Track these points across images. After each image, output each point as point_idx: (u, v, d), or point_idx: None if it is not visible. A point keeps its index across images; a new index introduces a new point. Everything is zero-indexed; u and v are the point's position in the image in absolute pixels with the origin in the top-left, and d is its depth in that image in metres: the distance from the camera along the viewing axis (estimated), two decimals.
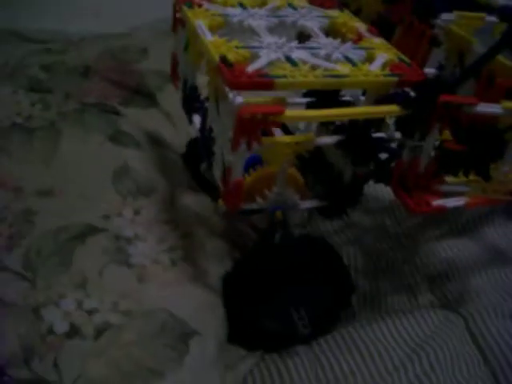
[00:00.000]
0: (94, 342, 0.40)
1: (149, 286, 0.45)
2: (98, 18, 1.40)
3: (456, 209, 0.47)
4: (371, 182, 0.49)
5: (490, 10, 0.52)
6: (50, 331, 0.40)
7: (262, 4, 0.52)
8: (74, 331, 0.40)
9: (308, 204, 0.46)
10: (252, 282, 0.45)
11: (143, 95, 0.73)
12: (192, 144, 0.62)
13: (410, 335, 0.51)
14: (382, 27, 0.50)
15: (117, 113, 0.69)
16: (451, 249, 0.63)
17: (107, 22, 1.36)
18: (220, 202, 0.43)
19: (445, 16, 0.58)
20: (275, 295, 0.46)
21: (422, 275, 0.59)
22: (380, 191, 0.67)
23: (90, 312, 0.42)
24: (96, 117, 0.66)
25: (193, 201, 0.57)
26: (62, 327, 0.41)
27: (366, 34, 0.47)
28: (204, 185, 0.59)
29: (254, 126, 0.37)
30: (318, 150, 0.45)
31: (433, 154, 0.45)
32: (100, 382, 0.38)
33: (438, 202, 0.46)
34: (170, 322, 0.43)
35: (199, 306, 0.45)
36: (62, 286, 0.43)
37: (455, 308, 0.55)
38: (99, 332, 0.41)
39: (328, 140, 0.43)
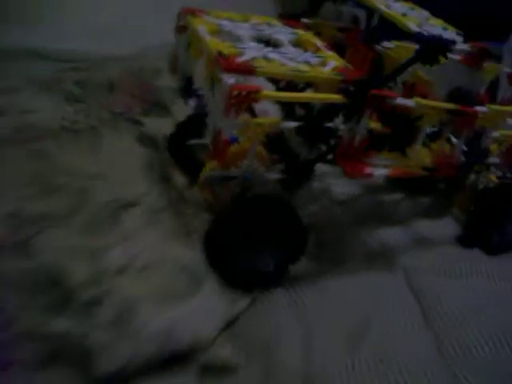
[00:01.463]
0: (137, 275, 0.58)
1: (172, 241, 0.63)
2: (108, 39, 1.58)
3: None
4: None
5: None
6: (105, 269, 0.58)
7: (245, 20, 0.70)
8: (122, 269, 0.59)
9: (271, 176, 0.64)
10: (230, 234, 0.61)
11: (160, 107, 0.91)
12: (179, 126, 0.79)
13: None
14: (336, 49, 0.69)
15: (139, 121, 0.88)
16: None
17: (115, 44, 1.53)
18: (204, 170, 0.62)
19: (385, 44, 0.80)
20: (249, 244, 0.62)
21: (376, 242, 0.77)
22: None
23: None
24: (124, 123, 0.84)
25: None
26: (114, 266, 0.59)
27: (323, 48, 0.66)
28: (183, 163, 0.77)
29: (240, 100, 0.54)
30: (282, 134, 0.63)
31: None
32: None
33: (368, 171, 0.63)
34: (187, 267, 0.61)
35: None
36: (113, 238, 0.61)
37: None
38: (140, 270, 0.59)
39: (290, 125, 0.61)
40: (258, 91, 0.54)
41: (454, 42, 0.61)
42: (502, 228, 0.77)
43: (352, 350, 0.58)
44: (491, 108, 0.66)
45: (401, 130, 0.61)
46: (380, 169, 0.63)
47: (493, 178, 0.79)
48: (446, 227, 0.82)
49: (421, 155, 0.65)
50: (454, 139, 0.68)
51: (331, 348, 0.58)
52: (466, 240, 0.78)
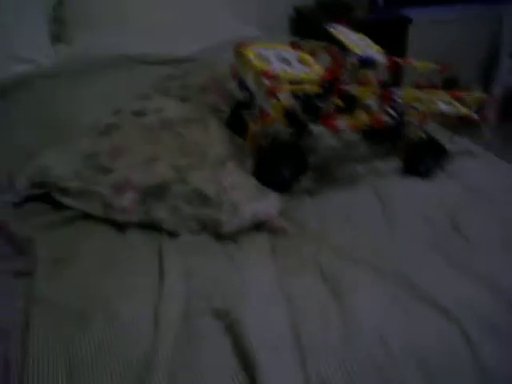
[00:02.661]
0: (234, 191, 1.19)
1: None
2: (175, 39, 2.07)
3: None
4: None
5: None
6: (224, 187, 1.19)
7: (273, 48, 1.27)
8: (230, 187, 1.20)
9: (288, 131, 1.21)
10: (268, 161, 1.20)
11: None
12: (236, 105, 1.36)
13: None
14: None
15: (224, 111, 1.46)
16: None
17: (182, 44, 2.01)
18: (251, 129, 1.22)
19: None
20: (277, 166, 1.20)
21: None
22: None
23: None
24: (217, 114, 1.43)
25: None
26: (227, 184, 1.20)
27: (314, 63, 1.24)
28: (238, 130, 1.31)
29: (271, 91, 1.14)
30: (294, 109, 1.19)
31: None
32: None
33: (336, 125, 1.21)
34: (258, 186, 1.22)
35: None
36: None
37: None
38: (235, 187, 1.20)
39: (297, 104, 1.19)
40: (278, 89, 1.13)
41: (375, 60, 1.23)
42: (424, 163, 1.34)
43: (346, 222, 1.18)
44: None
45: (350, 104, 1.21)
46: (342, 123, 1.22)
47: (421, 134, 1.34)
48: (393, 164, 1.38)
49: (363, 117, 1.24)
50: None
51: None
52: (405, 171, 1.35)
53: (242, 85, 1.29)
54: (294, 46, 1.32)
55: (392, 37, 2.82)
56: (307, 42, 1.38)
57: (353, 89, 1.21)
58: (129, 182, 1.15)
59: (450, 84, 3.31)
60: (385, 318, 0.93)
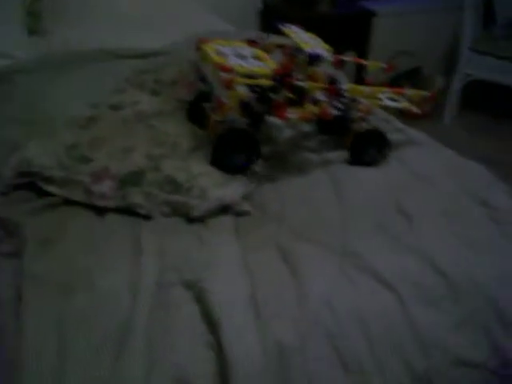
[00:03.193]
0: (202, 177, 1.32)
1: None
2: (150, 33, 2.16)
3: None
4: None
5: None
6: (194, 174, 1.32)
7: (229, 44, 1.36)
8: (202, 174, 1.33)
9: (243, 121, 1.31)
10: (225, 144, 1.31)
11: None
12: (197, 97, 1.45)
13: None
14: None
15: None
16: None
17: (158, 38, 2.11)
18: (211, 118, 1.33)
19: None
20: (233, 151, 1.31)
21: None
22: None
23: None
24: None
25: None
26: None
27: (267, 58, 1.36)
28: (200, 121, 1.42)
29: (227, 83, 1.25)
30: (248, 101, 1.31)
31: None
32: None
33: (286, 115, 1.33)
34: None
35: None
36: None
37: None
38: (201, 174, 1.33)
39: (252, 95, 1.30)
40: (233, 81, 1.24)
41: (322, 56, 1.35)
42: (369, 153, 1.47)
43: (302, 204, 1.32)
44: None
45: (299, 96, 1.34)
46: (292, 114, 1.35)
47: (367, 126, 1.48)
48: (342, 155, 1.51)
49: (312, 108, 1.37)
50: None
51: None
52: (351, 161, 1.48)
53: (202, 78, 1.40)
54: (250, 43, 1.44)
55: (356, 30, 2.97)
56: (270, 37, 1.50)
57: (302, 83, 1.34)
58: (107, 170, 1.27)
59: (413, 74, 3.48)
60: (332, 286, 1.07)
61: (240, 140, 1.33)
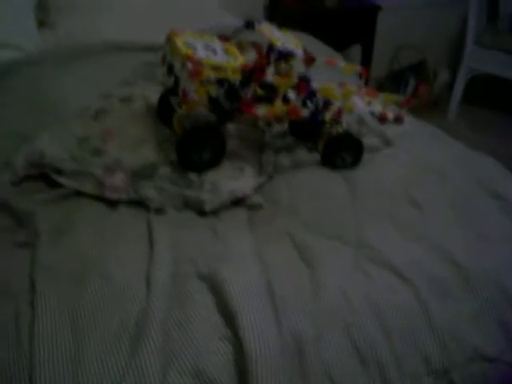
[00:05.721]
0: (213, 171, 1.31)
1: None
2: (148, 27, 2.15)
3: None
4: None
5: None
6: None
7: (201, 38, 1.30)
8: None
9: (211, 116, 1.26)
10: (190, 141, 1.25)
11: None
12: (164, 93, 1.39)
13: None
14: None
15: None
16: None
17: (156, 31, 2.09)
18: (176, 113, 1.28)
19: None
20: (198, 147, 1.25)
21: None
22: None
23: None
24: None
25: None
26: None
27: (238, 54, 1.26)
28: (164, 118, 1.38)
29: (193, 74, 1.17)
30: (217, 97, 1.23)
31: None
32: None
33: (254, 112, 1.27)
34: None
35: None
36: None
37: None
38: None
39: (221, 91, 1.22)
40: (200, 72, 1.18)
41: (293, 53, 1.28)
42: (341, 157, 1.40)
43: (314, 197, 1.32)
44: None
45: (269, 93, 1.30)
46: (260, 111, 1.30)
47: (339, 129, 1.40)
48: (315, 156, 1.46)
49: (281, 106, 1.32)
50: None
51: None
52: (323, 164, 1.42)
53: (171, 70, 1.32)
54: (221, 38, 1.39)
55: (362, 24, 2.96)
56: (239, 40, 1.43)
57: (272, 79, 1.29)
58: (119, 163, 1.27)
59: (418, 67, 3.47)
60: (348, 278, 1.07)
61: (206, 136, 1.29)
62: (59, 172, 1.28)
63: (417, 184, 1.37)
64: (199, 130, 1.29)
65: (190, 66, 1.18)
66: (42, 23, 2.23)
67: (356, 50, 3.09)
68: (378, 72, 3.41)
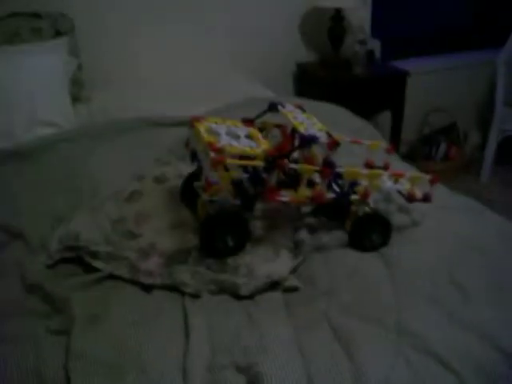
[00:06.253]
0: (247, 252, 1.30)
1: None
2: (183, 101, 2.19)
3: None
4: None
5: None
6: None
7: (224, 122, 1.31)
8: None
9: (235, 202, 1.25)
10: (213, 226, 1.25)
11: None
12: (188, 177, 1.41)
13: None
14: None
15: None
16: None
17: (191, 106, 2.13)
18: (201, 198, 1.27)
19: None
20: (222, 234, 1.24)
21: None
22: None
23: None
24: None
25: None
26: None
27: (261, 139, 1.28)
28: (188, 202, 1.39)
29: (215, 163, 1.16)
30: (241, 181, 1.24)
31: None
32: None
33: (278, 198, 1.23)
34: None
35: None
36: None
37: None
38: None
39: (245, 176, 1.24)
40: (222, 161, 1.18)
41: (317, 138, 1.27)
42: (368, 236, 1.36)
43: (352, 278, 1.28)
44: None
45: (292, 179, 1.29)
46: (284, 197, 1.27)
47: (367, 209, 1.37)
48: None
49: (305, 192, 1.30)
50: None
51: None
52: (350, 245, 1.38)
53: (195, 156, 1.33)
54: (245, 122, 1.39)
55: (391, 90, 2.98)
56: (264, 122, 1.44)
57: (295, 165, 1.27)
58: (154, 247, 1.27)
59: (449, 130, 3.46)
60: (389, 369, 1.03)
61: (229, 222, 1.27)
62: (94, 255, 1.28)
63: (458, 262, 1.33)
64: (222, 216, 1.27)
65: (212, 154, 1.18)
66: (75, 98, 2.29)
67: (385, 116, 3.10)
68: (408, 136, 3.41)
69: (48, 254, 1.31)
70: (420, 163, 3.03)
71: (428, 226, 1.48)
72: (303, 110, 1.46)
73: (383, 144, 1.50)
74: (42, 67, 2.13)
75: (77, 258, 1.31)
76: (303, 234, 1.37)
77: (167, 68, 2.57)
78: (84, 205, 1.48)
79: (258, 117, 1.44)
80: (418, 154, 3.47)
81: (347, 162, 1.39)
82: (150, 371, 1.02)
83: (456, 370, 1.03)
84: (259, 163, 1.22)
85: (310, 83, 3.00)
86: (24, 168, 1.76)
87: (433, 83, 3.45)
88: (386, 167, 1.49)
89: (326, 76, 2.89)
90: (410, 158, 3.21)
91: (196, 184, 1.35)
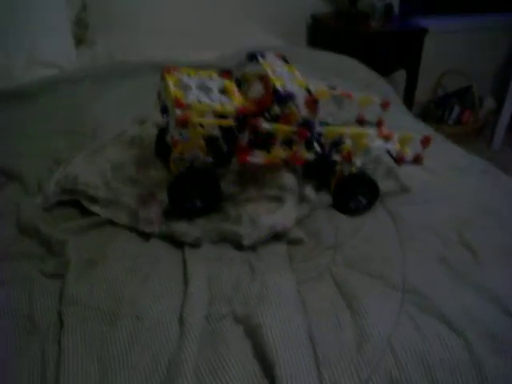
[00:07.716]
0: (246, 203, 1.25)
1: None
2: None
3: None
4: None
5: None
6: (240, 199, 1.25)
7: (196, 74, 1.20)
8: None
9: (207, 159, 1.16)
10: (182, 186, 1.15)
11: None
12: (160, 131, 1.32)
13: None
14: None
15: None
16: None
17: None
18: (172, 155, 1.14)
19: None
20: (190, 192, 1.16)
21: None
22: None
23: None
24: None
25: None
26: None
27: (236, 93, 1.16)
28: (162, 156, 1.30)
29: (180, 122, 1.05)
30: (214, 137, 1.15)
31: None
32: None
33: (248, 159, 1.15)
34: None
35: None
36: None
37: None
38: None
39: (217, 132, 1.13)
40: (187, 120, 1.07)
41: (293, 95, 1.16)
42: (354, 199, 1.29)
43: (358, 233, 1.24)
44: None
45: (265, 139, 1.19)
46: (255, 158, 1.18)
47: (353, 169, 1.28)
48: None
49: (280, 152, 1.21)
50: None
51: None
52: (334, 206, 1.31)
53: (165, 110, 1.21)
54: (223, 73, 1.28)
55: (408, 47, 2.89)
56: (245, 73, 1.32)
57: (268, 125, 1.18)
58: (153, 195, 1.22)
59: (463, 93, 3.37)
60: (393, 328, 0.99)
61: (199, 181, 1.20)
62: (92, 200, 1.23)
63: (469, 224, 1.27)
64: (192, 174, 1.19)
65: (178, 112, 1.08)
66: (80, 41, 2.22)
67: (401, 75, 3.01)
68: (421, 97, 3.32)
69: (44, 196, 1.26)
70: (431, 126, 2.96)
71: (440, 187, 1.42)
72: (286, 61, 1.34)
73: (376, 99, 1.41)
74: (42, 2, 2.04)
75: (74, 202, 1.26)
76: (308, 190, 1.31)
77: (177, 13, 2.48)
78: (84, 147, 1.42)
79: (238, 67, 1.33)
80: (430, 115, 3.39)
81: (341, 118, 1.34)
82: (146, 318, 0.98)
83: (462, 332, 0.99)
84: (229, 122, 1.12)
85: (324, 34, 2.91)
86: (24, 109, 1.72)
87: (451, 44, 3.34)
88: (379, 124, 1.39)
89: (341, 28, 2.79)
90: (421, 119, 3.14)
91: (168, 139, 1.24)
